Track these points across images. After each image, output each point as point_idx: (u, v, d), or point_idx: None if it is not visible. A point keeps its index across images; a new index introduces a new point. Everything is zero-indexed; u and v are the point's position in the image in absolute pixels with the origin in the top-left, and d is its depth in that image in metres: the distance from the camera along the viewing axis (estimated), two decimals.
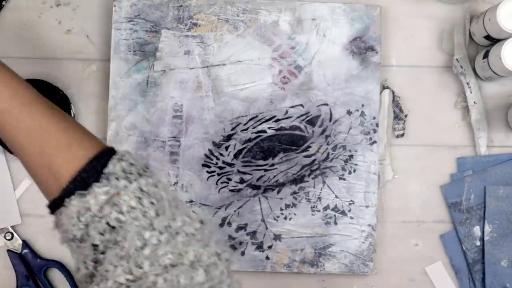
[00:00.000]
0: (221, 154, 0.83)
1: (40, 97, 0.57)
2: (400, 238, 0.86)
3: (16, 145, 0.56)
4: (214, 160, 0.83)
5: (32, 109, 0.55)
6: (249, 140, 0.84)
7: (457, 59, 0.85)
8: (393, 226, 0.86)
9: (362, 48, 0.84)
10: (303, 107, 0.84)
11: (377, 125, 0.84)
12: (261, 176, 0.83)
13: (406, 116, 0.86)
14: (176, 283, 0.49)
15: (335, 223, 0.83)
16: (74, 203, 0.52)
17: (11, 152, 0.83)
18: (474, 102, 0.85)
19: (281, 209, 0.83)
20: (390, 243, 0.86)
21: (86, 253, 0.53)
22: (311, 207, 0.83)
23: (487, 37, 0.82)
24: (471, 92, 0.85)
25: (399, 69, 0.87)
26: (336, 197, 0.83)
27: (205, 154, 0.83)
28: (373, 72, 0.84)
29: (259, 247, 0.83)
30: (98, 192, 0.51)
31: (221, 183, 0.83)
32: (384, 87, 0.86)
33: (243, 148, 0.84)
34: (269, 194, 0.83)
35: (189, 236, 0.52)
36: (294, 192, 0.83)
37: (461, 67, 0.85)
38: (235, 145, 0.83)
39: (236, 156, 0.83)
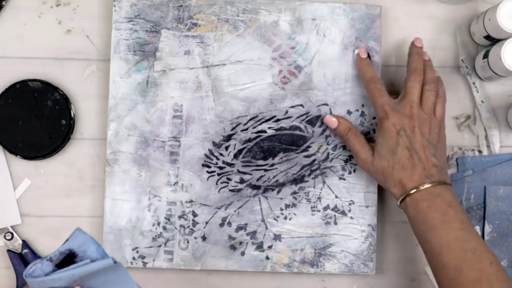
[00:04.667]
0: (221, 154, 0.83)
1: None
2: (400, 238, 0.86)
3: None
4: (214, 160, 0.83)
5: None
6: (249, 140, 0.84)
7: (462, 60, 0.86)
8: (393, 226, 0.86)
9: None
10: (303, 107, 0.84)
11: (377, 125, 0.84)
12: (261, 176, 0.83)
13: None
14: None
15: (335, 223, 0.83)
16: None
17: (11, 152, 0.83)
18: (482, 101, 0.86)
19: (281, 209, 0.83)
20: (390, 243, 0.86)
21: None
22: (311, 207, 0.83)
23: (487, 37, 0.82)
24: (477, 92, 0.86)
25: (399, 69, 0.87)
26: (336, 197, 0.83)
27: (205, 154, 0.83)
28: None
29: (259, 247, 0.83)
30: None
31: (221, 183, 0.83)
32: None
33: (243, 148, 0.84)
34: (269, 194, 0.83)
35: None
36: (294, 192, 0.83)
37: (467, 67, 0.86)
38: (235, 145, 0.83)
39: (236, 156, 0.83)
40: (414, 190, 0.73)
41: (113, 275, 0.58)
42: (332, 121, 0.81)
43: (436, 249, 0.71)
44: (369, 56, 0.82)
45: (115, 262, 0.57)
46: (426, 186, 0.73)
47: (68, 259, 0.58)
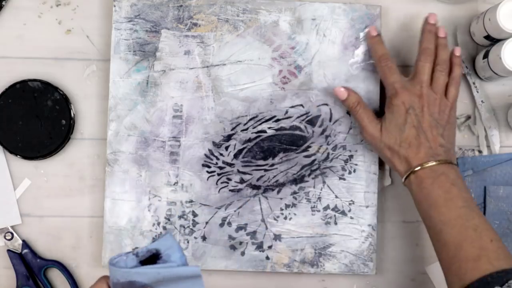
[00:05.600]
0: (221, 154, 0.83)
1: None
2: (400, 238, 0.86)
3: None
4: (214, 160, 0.83)
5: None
6: (249, 140, 0.84)
7: (462, 60, 0.86)
8: (393, 226, 0.86)
9: (362, 48, 0.84)
10: (303, 107, 0.84)
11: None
12: (261, 176, 0.83)
13: None
14: None
15: (335, 223, 0.83)
16: None
17: (11, 152, 0.83)
18: (482, 101, 0.86)
19: (281, 209, 0.83)
20: (390, 243, 0.86)
21: None
22: (311, 207, 0.83)
23: (487, 37, 0.82)
24: (477, 92, 0.86)
25: (399, 69, 0.87)
26: (336, 197, 0.83)
27: (205, 154, 0.83)
28: (373, 72, 0.84)
29: (259, 247, 0.83)
30: None
31: (221, 183, 0.83)
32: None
33: (243, 148, 0.84)
34: (269, 194, 0.83)
35: None
36: (294, 192, 0.83)
37: (467, 67, 0.86)
38: (235, 145, 0.83)
39: (236, 156, 0.83)
40: (419, 168, 0.74)
41: (189, 284, 0.58)
42: (341, 92, 0.80)
43: (438, 226, 0.72)
44: (379, 34, 0.82)
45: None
46: (431, 164, 0.74)
47: (151, 258, 0.58)
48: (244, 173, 0.83)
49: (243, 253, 0.83)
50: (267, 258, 0.83)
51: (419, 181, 0.74)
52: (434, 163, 0.74)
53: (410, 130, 0.76)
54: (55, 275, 0.85)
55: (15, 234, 0.84)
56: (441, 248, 0.72)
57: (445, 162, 0.74)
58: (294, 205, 0.83)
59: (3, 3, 0.85)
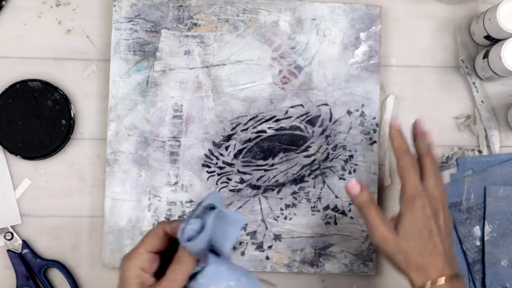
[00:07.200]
0: (221, 154, 0.83)
1: None
2: None
3: None
4: (214, 160, 0.83)
5: None
6: (249, 140, 0.84)
7: (462, 60, 0.86)
8: None
9: (362, 48, 0.84)
10: (303, 107, 0.84)
11: (377, 125, 0.84)
12: (261, 176, 0.83)
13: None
14: None
15: (335, 223, 0.83)
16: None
17: (11, 152, 0.83)
18: (482, 101, 0.86)
19: (281, 209, 0.83)
20: None
21: None
22: (311, 207, 0.83)
23: (487, 37, 0.82)
24: (477, 92, 0.86)
25: (399, 69, 0.87)
26: (336, 197, 0.83)
27: (205, 154, 0.83)
28: (373, 72, 0.84)
29: (259, 247, 0.83)
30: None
31: (221, 183, 0.83)
32: (381, 89, 0.86)
33: (243, 148, 0.84)
34: (269, 194, 0.83)
35: None
36: (294, 192, 0.83)
37: (467, 67, 0.86)
38: (235, 145, 0.83)
39: (236, 156, 0.83)
40: (442, 282, 0.69)
41: (232, 229, 0.58)
42: (354, 187, 0.72)
43: None
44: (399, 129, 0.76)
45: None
46: (444, 281, 0.69)
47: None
48: (244, 173, 0.83)
49: (243, 253, 0.83)
50: (267, 258, 0.83)
51: None
52: (449, 279, 0.69)
53: (433, 239, 0.70)
54: (55, 275, 0.85)
55: (15, 234, 0.84)
56: None
57: (457, 276, 0.70)
58: (294, 205, 0.83)
59: (3, 3, 0.85)
